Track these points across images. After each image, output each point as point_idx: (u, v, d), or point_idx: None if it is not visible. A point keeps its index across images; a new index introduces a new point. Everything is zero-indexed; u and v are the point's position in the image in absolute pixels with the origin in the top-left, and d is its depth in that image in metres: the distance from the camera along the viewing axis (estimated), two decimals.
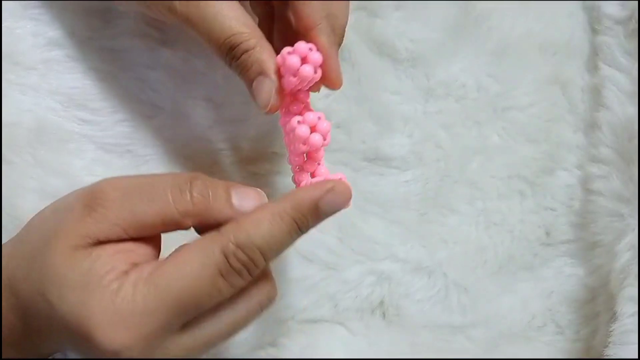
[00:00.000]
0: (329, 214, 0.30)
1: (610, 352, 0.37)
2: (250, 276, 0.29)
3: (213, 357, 0.41)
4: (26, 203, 0.39)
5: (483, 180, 0.43)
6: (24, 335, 0.31)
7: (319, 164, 0.34)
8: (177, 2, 0.33)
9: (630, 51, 0.41)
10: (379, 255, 0.42)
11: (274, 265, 0.42)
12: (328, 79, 0.33)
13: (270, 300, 0.32)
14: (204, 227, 0.30)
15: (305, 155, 0.34)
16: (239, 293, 0.30)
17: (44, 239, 0.30)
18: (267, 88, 0.32)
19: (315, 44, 0.32)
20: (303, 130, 0.32)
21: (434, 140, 0.43)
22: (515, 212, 0.44)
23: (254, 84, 0.32)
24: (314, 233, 0.41)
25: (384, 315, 0.43)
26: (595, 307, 0.43)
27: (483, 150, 0.43)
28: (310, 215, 0.30)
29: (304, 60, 0.31)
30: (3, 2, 0.40)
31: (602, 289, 0.42)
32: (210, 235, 0.29)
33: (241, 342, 0.41)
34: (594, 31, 0.44)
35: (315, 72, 0.31)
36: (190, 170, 0.41)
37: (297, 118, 0.33)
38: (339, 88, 0.34)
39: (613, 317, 0.39)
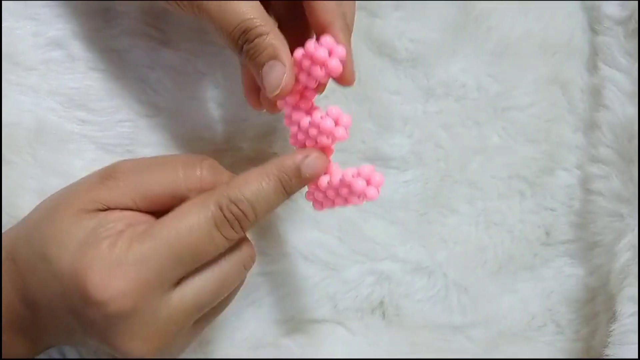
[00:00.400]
0: (310, 177, 0.32)
1: (610, 352, 0.37)
2: (242, 229, 0.31)
3: (213, 357, 0.41)
4: (26, 203, 0.39)
5: (483, 180, 0.43)
6: (29, 321, 0.31)
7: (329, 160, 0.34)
8: None
9: (630, 51, 0.41)
10: (379, 255, 0.43)
11: (274, 265, 0.42)
12: (344, 75, 0.33)
13: (252, 260, 0.34)
14: None
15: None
16: (223, 252, 0.32)
17: (52, 206, 0.32)
18: (279, 72, 0.32)
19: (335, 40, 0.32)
20: (329, 124, 0.32)
21: (434, 140, 0.43)
22: (515, 212, 0.44)
23: (265, 67, 0.32)
24: (314, 233, 0.42)
25: (383, 315, 0.43)
26: (595, 307, 0.43)
27: (483, 150, 0.43)
28: (294, 176, 0.32)
29: (330, 54, 0.32)
30: (3, 2, 0.40)
31: (602, 289, 0.42)
32: (205, 194, 0.31)
33: (241, 342, 0.41)
34: (593, 31, 0.44)
35: (341, 65, 0.32)
36: None
37: (320, 112, 0.33)
38: (352, 85, 0.34)
39: (613, 317, 0.39)
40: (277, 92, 0.32)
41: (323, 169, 0.33)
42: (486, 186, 0.43)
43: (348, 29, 0.34)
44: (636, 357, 0.36)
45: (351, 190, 0.32)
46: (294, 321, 0.42)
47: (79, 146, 0.40)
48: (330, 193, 0.33)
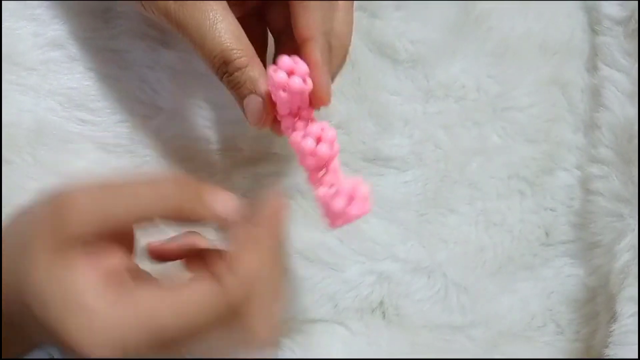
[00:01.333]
0: None
1: (610, 352, 0.37)
2: None
3: (213, 357, 0.41)
4: (26, 203, 0.39)
5: (483, 181, 0.43)
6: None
7: (337, 174, 0.33)
8: (172, 5, 0.33)
9: (630, 51, 0.41)
10: (379, 255, 0.43)
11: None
12: (315, 95, 0.32)
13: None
14: (176, 222, 0.30)
15: (322, 169, 0.33)
16: None
17: (19, 247, 0.29)
18: (257, 106, 0.33)
19: (306, 56, 0.32)
20: (309, 144, 0.32)
21: (434, 140, 0.43)
22: (515, 212, 0.44)
23: (245, 101, 0.33)
24: (314, 233, 0.42)
25: (383, 315, 0.43)
26: (595, 307, 0.43)
27: (483, 150, 0.43)
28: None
29: (290, 73, 0.31)
30: (3, 2, 0.40)
31: (602, 289, 0.42)
32: (214, 291, 0.28)
33: None
34: (593, 31, 0.44)
35: (305, 82, 0.31)
36: (190, 171, 0.41)
37: (300, 133, 0.32)
38: (327, 105, 0.33)
39: (613, 317, 0.39)
40: (259, 124, 0.33)
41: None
42: (486, 186, 0.43)
43: (329, 49, 0.33)
44: (636, 357, 0.36)
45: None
46: (294, 321, 0.42)
47: (79, 146, 0.40)
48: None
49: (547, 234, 0.44)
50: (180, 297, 0.28)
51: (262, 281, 0.29)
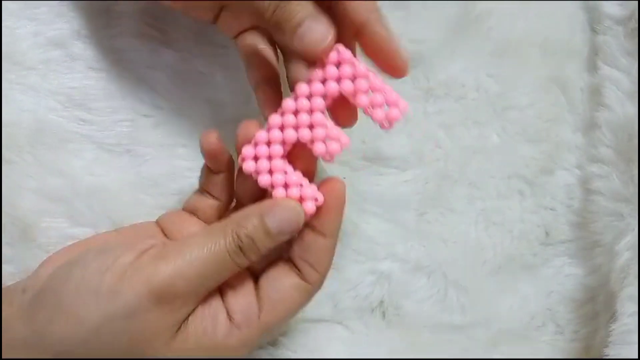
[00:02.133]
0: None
1: (610, 352, 0.37)
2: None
3: (212, 357, 0.41)
4: (26, 203, 0.39)
5: (483, 180, 0.43)
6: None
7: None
8: None
9: (630, 51, 0.41)
10: (379, 255, 0.43)
11: None
12: (396, 67, 0.32)
13: None
14: None
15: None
16: None
17: (119, 344, 0.30)
18: (323, 28, 0.30)
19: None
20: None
21: (434, 140, 0.43)
22: (515, 212, 0.44)
23: (305, 23, 0.30)
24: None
25: (383, 314, 0.43)
26: (594, 307, 0.43)
27: (483, 150, 0.43)
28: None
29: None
30: (3, 2, 0.40)
31: (601, 288, 0.42)
32: (303, 288, 0.33)
33: None
34: (594, 31, 0.44)
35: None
36: (190, 171, 0.41)
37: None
38: (406, 75, 0.33)
39: (613, 316, 0.38)
40: (323, 48, 0.30)
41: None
42: (486, 186, 0.43)
43: (386, 19, 0.32)
44: (636, 357, 0.36)
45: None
46: (294, 321, 0.42)
47: (79, 146, 0.40)
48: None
49: (547, 234, 0.44)
50: (283, 305, 0.32)
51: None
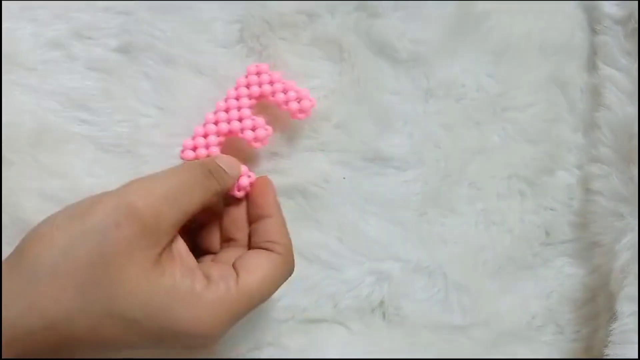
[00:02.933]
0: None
1: (610, 352, 0.37)
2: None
3: (212, 357, 0.41)
4: (26, 203, 0.39)
5: (483, 180, 0.43)
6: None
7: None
8: None
9: (630, 51, 0.41)
10: (379, 255, 0.43)
11: None
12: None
13: None
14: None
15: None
16: None
17: (92, 266, 0.30)
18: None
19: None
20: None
21: (434, 140, 0.43)
22: (515, 212, 0.44)
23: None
24: (314, 233, 0.42)
25: (384, 315, 0.43)
26: (595, 307, 0.43)
27: (483, 150, 0.43)
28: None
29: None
30: (3, 2, 0.40)
31: (602, 288, 0.42)
32: (279, 260, 0.35)
33: (241, 342, 0.41)
34: (593, 31, 0.44)
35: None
36: None
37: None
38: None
39: (613, 316, 0.38)
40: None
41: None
42: (486, 186, 0.43)
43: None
44: (636, 357, 0.36)
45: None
46: (294, 321, 0.42)
47: (79, 146, 0.40)
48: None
49: (547, 234, 0.44)
50: (258, 272, 0.34)
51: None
